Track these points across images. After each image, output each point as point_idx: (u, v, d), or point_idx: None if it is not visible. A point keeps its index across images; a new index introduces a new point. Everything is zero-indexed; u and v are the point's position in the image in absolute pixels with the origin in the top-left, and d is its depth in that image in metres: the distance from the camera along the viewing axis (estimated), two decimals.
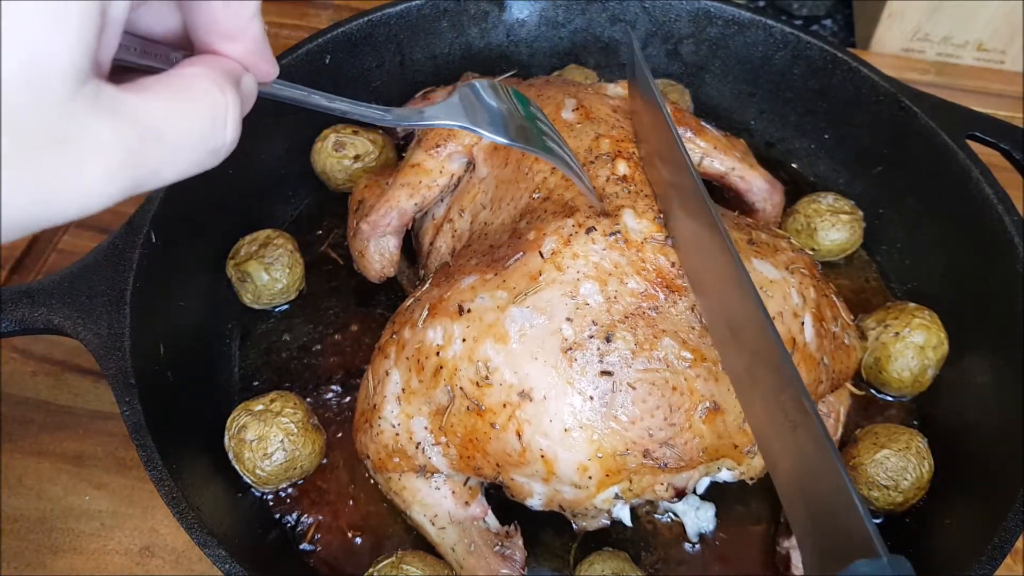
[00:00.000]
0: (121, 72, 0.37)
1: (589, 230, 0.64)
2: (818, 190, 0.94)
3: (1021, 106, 1.13)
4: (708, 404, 0.61)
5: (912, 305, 0.82)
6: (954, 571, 0.64)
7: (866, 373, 0.82)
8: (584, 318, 0.61)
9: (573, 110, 0.76)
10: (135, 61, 0.39)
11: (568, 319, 0.61)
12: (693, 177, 0.62)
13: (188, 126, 0.34)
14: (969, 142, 0.84)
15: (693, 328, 0.62)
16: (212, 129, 0.35)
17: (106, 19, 0.30)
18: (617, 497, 0.63)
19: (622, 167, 0.70)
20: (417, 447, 0.66)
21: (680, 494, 0.64)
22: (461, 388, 0.62)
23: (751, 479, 0.67)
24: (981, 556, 0.62)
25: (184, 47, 0.41)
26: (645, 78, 0.71)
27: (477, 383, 0.62)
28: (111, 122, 0.31)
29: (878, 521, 0.74)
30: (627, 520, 0.69)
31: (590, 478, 0.61)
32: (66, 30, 0.28)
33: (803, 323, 0.66)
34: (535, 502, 0.66)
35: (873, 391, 0.83)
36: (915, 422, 0.82)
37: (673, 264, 0.63)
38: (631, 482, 0.62)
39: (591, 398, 0.60)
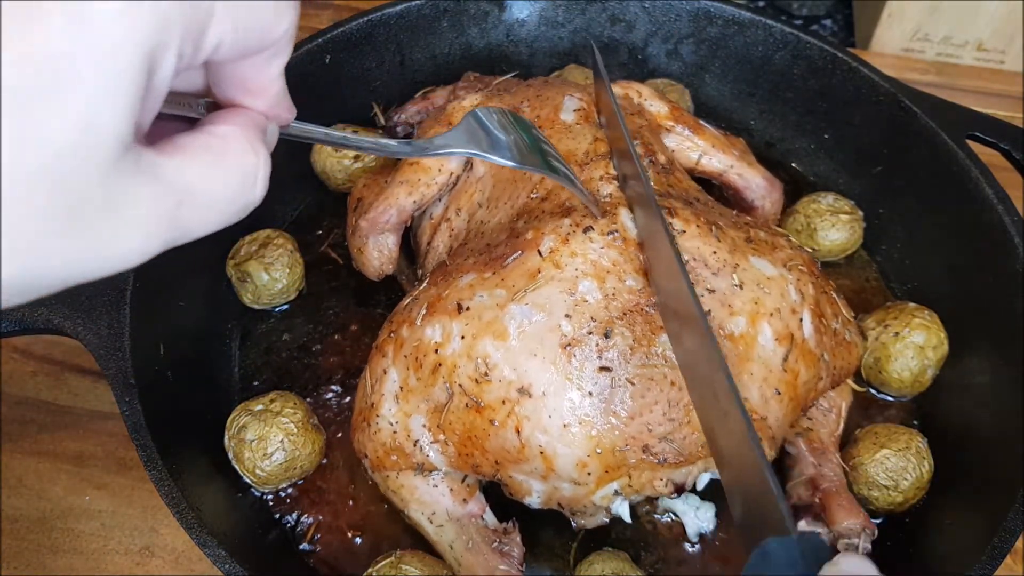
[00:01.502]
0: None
1: (587, 229, 0.64)
2: (818, 190, 0.94)
3: (1021, 106, 1.13)
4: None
5: (912, 305, 0.82)
6: (954, 571, 0.64)
7: (866, 373, 0.82)
8: (583, 315, 0.61)
9: (572, 111, 0.76)
10: (161, 111, 0.39)
11: (567, 316, 0.61)
12: (645, 181, 0.64)
13: (222, 187, 0.35)
14: (969, 142, 0.84)
15: None
16: (243, 188, 0.36)
17: (151, 86, 0.31)
18: (616, 493, 0.63)
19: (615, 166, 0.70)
20: (415, 445, 0.66)
21: (679, 490, 0.64)
22: (460, 385, 0.62)
23: None
24: (981, 556, 0.62)
25: (205, 95, 0.41)
26: (605, 87, 0.73)
27: (476, 380, 0.62)
28: (150, 187, 0.31)
29: (878, 521, 0.74)
30: (626, 517, 0.69)
31: (589, 474, 0.62)
32: (118, 99, 0.29)
33: (801, 319, 0.66)
34: (534, 500, 0.66)
35: (873, 391, 0.83)
36: (915, 422, 0.82)
37: None
38: (630, 478, 0.62)
39: (590, 394, 0.60)
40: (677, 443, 0.61)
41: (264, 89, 0.39)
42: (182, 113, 0.39)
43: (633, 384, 0.61)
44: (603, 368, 0.61)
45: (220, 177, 0.35)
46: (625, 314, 0.62)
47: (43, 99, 0.27)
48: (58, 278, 0.31)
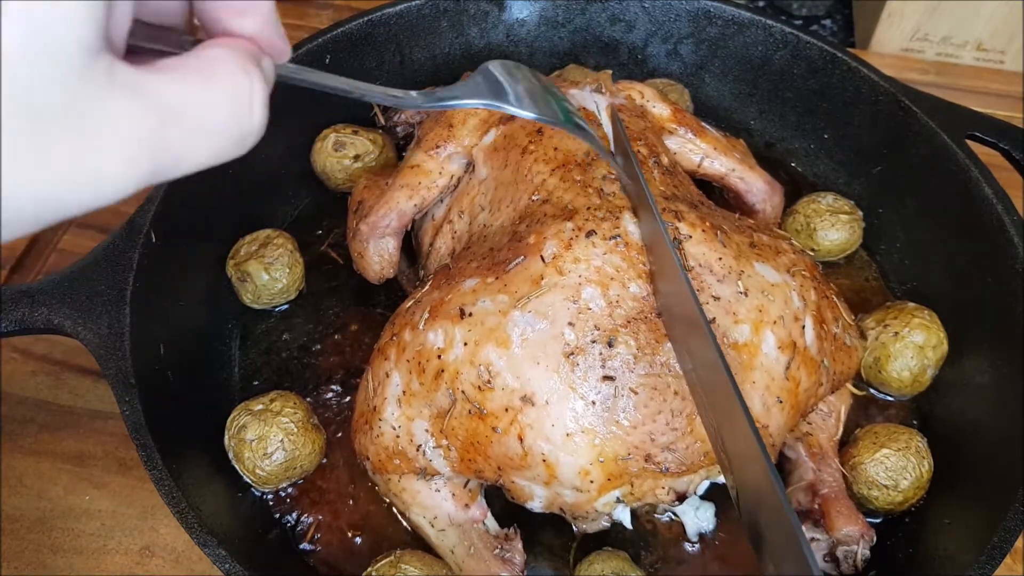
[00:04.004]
0: (133, 56, 0.35)
1: (589, 233, 0.64)
2: (818, 190, 0.94)
3: (1021, 106, 1.13)
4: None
5: (911, 305, 0.82)
6: (954, 571, 0.64)
7: (866, 373, 0.82)
8: (586, 323, 0.61)
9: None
10: (145, 45, 0.37)
11: (570, 324, 0.61)
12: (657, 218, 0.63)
13: (212, 109, 0.32)
14: (968, 142, 0.84)
15: None
16: (237, 113, 0.33)
17: None
18: (618, 501, 0.63)
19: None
20: (418, 449, 0.66)
21: (681, 498, 0.64)
22: (463, 391, 0.62)
23: None
24: (981, 555, 0.62)
25: (192, 33, 0.39)
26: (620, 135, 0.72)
27: (479, 387, 0.62)
28: (128, 101, 0.29)
29: (877, 520, 0.74)
30: (627, 522, 0.69)
31: (591, 482, 0.62)
32: (75, 5, 0.27)
33: (804, 326, 0.66)
34: (536, 504, 0.66)
35: (873, 391, 0.83)
36: (915, 422, 0.82)
37: None
38: (632, 486, 0.62)
39: (593, 403, 0.60)
40: (680, 452, 0.61)
41: (250, 6, 0.36)
42: (169, 49, 0.36)
43: (636, 393, 0.61)
44: (606, 377, 0.60)
45: (209, 98, 0.33)
46: (629, 322, 0.61)
47: None
48: (28, 211, 0.28)
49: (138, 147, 0.30)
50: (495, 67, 0.55)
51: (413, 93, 0.48)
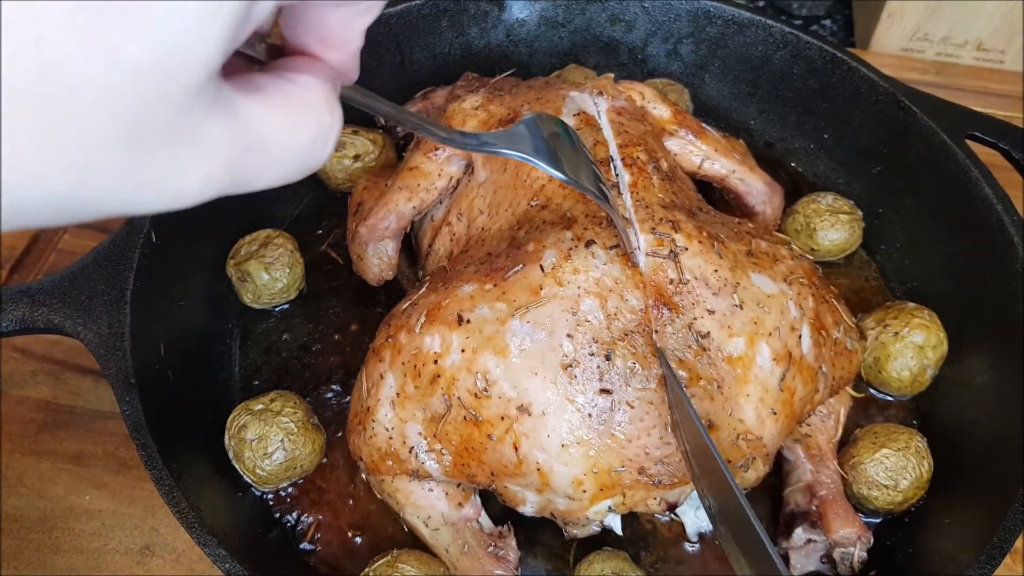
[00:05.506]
0: None
1: (588, 243, 0.63)
2: (818, 190, 0.94)
3: (1021, 106, 1.13)
4: (703, 422, 0.61)
5: (911, 305, 0.82)
6: (954, 571, 0.64)
7: (865, 373, 0.82)
8: (585, 335, 0.61)
9: (573, 115, 0.76)
10: None
11: (569, 336, 0.61)
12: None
13: (294, 141, 0.33)
14: (968, 142, 0.84)
15: (690, 347, 0.62)
16: (313, 147, 0.34)
17: (249, 15, 0.28)
18: (610, 510, 0.63)
19: (625, 175, 0.70)
20: (411, 452, 0.66)
21: (672, 507, 0.64)
22: (459, 398, 0.62)
23: (745, 489, 0.67)
24: (981, 555, 0.62)
25: (266, 36, 0.38)
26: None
27: (476, 394, 0.62)
28: (224, 126, 0.29)
29: (877, 520, 0.75)
30: (618, 529, 0.69)
31: (584, 491, 0.62)
32: (218, 22, 0.26)
33: (800, 336, 0.66)
34: (527, 509, 0.66)
35: (873, 391, 0.83)
36: (914, 422, 0.82)
37: (671, 281, 0.63)
38: (624, 496, 0.62)
39: (589, 415, 0.60)
40: (673, 466, 0.61)
41: (345, 44, 0.36)
42: (243, 49, 0.36)
43: (632, 407, 0.60)
44: (603, 390, 0.60)
45: (294, 130, 0.32)
46: (627, 335, 0.61)
47: (135, 10, 0.24)
48: (108, 206, 0.28)
49: (219, 168, 0.30)
50: (539, 121, 0.55)
51: (458, 133, 0.49)
